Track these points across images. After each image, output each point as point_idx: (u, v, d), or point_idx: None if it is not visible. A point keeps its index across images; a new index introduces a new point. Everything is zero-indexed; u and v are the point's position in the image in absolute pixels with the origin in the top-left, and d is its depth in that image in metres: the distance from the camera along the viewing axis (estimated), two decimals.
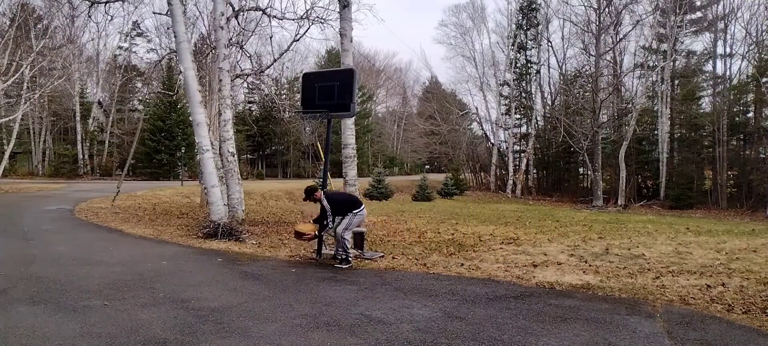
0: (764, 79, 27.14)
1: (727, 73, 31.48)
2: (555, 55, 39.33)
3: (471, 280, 6.38)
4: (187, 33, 11.55)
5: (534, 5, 37.33)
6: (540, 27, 37.65)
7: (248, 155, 47.28)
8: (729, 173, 29.91)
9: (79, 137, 36.88)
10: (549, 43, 37.72)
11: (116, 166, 37.31)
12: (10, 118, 24.27)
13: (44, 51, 24.33)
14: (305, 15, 12.62)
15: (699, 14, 32.72)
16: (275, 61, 15.24)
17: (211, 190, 10.16)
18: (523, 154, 36.90)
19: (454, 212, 17.39)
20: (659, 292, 5.72)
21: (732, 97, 30.67)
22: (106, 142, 39.56)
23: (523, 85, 38.41)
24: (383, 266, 7.20)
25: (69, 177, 34.15)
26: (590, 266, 7.30)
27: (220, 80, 10.66)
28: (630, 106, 32.57)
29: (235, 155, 10.83)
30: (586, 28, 32.65)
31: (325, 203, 7.08)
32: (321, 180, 9.19)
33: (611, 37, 31.98)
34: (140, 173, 36.08)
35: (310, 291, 5.61)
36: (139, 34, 42.42)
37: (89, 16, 22.09)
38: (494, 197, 33.03)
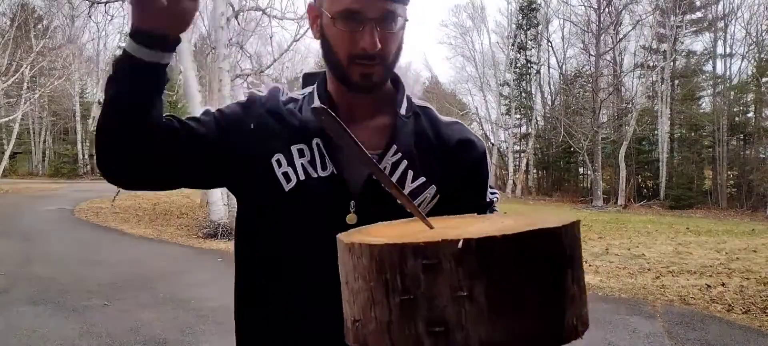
0: (764, 79, 27.13)
1: (727, 73, 31.51)
2: (555, 55, 39.23)
3: None
4: (187, 33, 11.55)
5: (534, 5, 37.29)
6: (540, 27, 37.61)
7: None
8: (729, 173, 29.89)
9: (79, 137, 36.86)
10: (549, 43, 37.71)
11: None
12: (10, 118, 24.27)
13: (44, 51, 24.33)
14: (305, 15, 12.63)
15: (699, 14, 32.70)
16: (275, 61, 15.24)
17: (211, 190, 10.16)
18: (523, 155, 36.88)
19: None
20: (659, 292, 5.72)
21: (732, 97, 30.67)
22: None
23: (523, 85, 38.38)
24: None
25: (69, 177, 34.12)
26: (590, 266, 7.30)
27: (220, 80, 10.67)
28: (630, 106, 32.56)
29: None
30: (586, 28, 32.65)
31: None
32: None
33: (611, 37, 31.97)
34: None
35: None
36: None
37: (89, 16, 22.09)
38: None
